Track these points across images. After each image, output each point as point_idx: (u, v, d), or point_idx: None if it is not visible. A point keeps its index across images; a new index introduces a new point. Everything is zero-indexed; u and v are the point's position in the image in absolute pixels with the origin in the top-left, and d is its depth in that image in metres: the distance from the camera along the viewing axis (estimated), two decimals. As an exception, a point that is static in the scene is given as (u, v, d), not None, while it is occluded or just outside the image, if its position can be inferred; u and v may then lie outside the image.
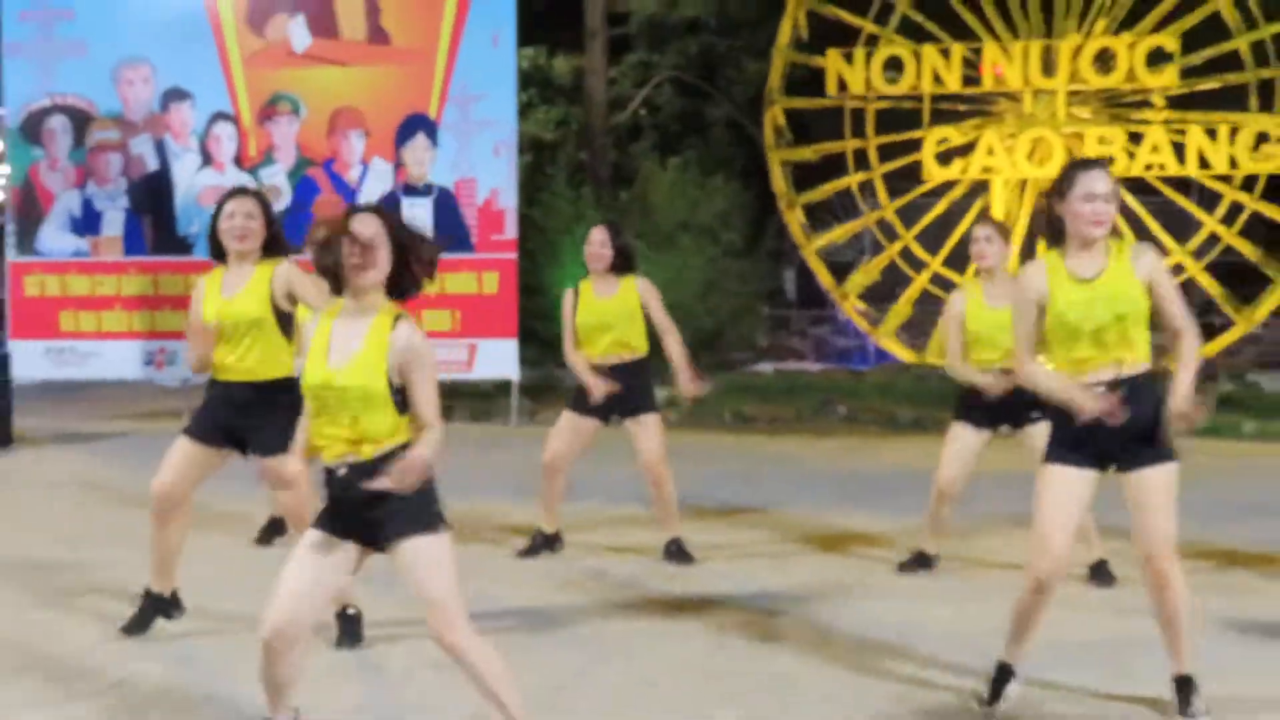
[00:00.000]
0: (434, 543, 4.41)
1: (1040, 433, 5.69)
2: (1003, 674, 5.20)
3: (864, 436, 14.09)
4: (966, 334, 7.32)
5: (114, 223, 15.26)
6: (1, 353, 14.20)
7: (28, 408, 14.34)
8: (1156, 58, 16.09)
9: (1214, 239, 16.76)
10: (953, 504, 7.53)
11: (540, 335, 15.66)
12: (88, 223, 15.28)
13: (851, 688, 5.50)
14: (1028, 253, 5.02)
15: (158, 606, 6.27)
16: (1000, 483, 8.50)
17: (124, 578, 7.09)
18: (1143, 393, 4.94)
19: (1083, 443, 4.95)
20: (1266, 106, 16.12)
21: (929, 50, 16.58)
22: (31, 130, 15.34)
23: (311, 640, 4.53)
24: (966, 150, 16.84)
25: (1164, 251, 16.39)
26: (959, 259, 8.21)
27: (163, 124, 15.28)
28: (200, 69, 15.10)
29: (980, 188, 17.35)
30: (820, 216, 19.47)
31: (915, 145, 17.20)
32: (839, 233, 18.59)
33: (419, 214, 14.89)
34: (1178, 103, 16.74)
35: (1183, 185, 17.20)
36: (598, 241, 7.81)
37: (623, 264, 7.83)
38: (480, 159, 14.90)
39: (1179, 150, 15.97)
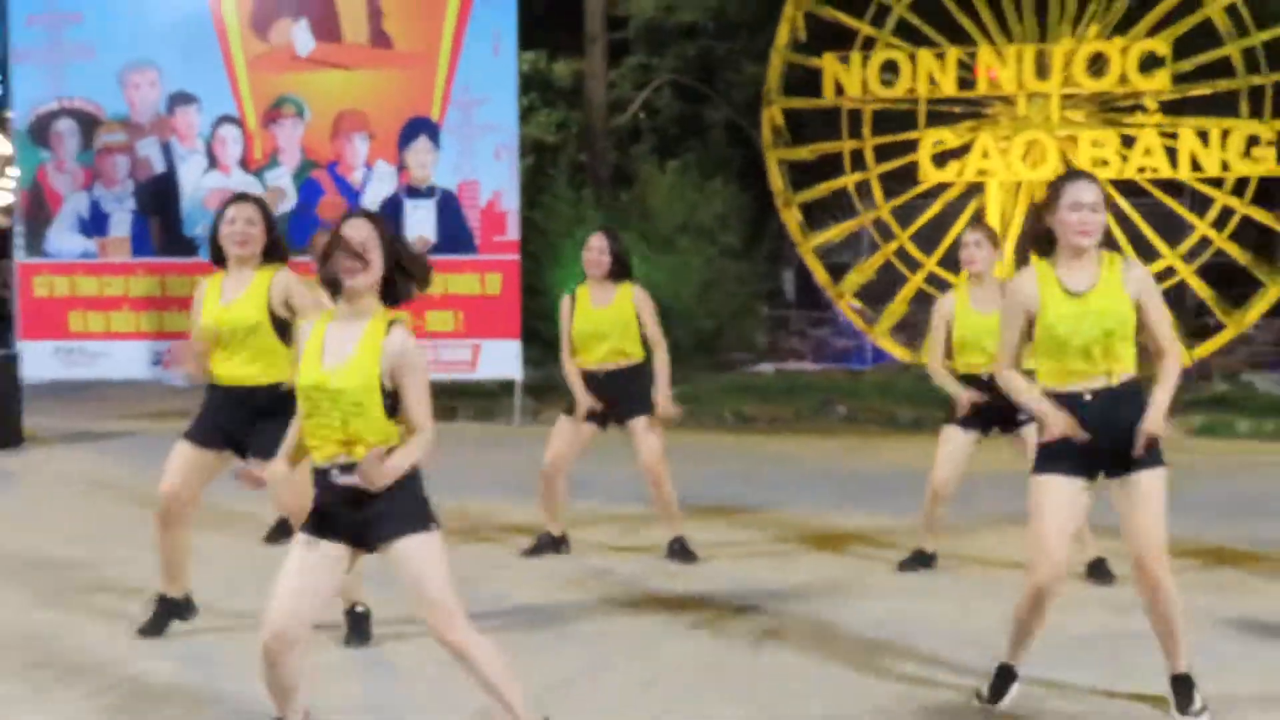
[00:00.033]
0: (427, 541, 4.44)
1: (1032, 432, 5.70)
2: (1004, 675, 5.21)
3: (863, 436, 14.08)
4: (954, 337, 7.36)
5: (121, 224, 15.25)
6: (11, 353, 14.21)
7: (37, 407, 14.35)
8: (1149, 63, 16.09)
9: (1205, 242, 16.76)
10: (947, 503, 7.55)
11: (543, 335, 15.64)
12: (95, 224, 15.27)
13: (853, 685, 5.51)
14: (1022, 256, 5.01)
15: (172, 610, 6.28)
16: (996, 482, 8.50)
17: (133, 575, 7.10)
18: (1130, 401, 4.94)
19: (1071, 451, 4.94)
20: (1257, 112, 16.13)
21: (924, 54, 16.57)
22: (40, 133, 15.34)
23: (310, 642, 4.52)
24: (962, 152, 16.84)
25: (1156, 254, 16.46)
26: (954, 259, 8.21)
27: (169, 127, 15.27)
28: (206, 73, 15.10)
29: (975, 189, 17.34)
30: (818, 216, 19.45)
31: (911, 146, 17.19)
32: (835, 232, 18.58)
33: (422, 216, 14.92)
34: (1170, 108, 16.75)
35: (1175, 189, 17.20)
36: (596, 248, 7.80)
37: (619, 270, 7.83)
38: (482, 161, 14.90)
39: (1171, 154, 15.98)
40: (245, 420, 5.95)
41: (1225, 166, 15.92)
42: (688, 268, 18.27)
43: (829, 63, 16.92)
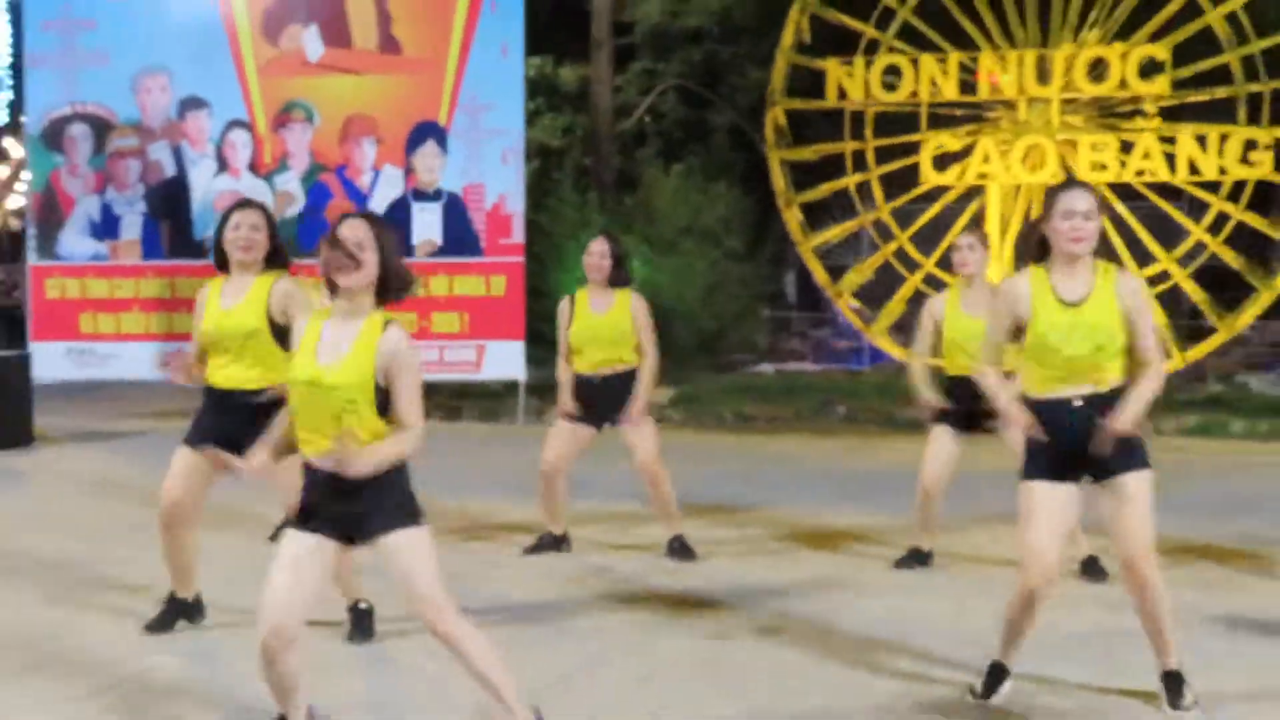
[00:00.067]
0: (417, 535, 4.45)
1: (1017, 435, 5.71)
2: (997, 673, 5.22)
3: (862, 436, 14.08)
4: (943, 339, 7.40)
5: (132, 227, 15.29)
6: (23, 353, 14.23)
7: (48, 407, 14.37)
8: (1149, 69, 16.07)
9: (1201, 246, 16.74)
10: (939, 502, 7.56)
11: (547, 337, 15.57)
12: (107, 227, 15.31)
13: (850, 681, 5.50)
14: (1020, 263, 5.05)
15: (181, 610, 6.29)
16: (993, 481, 8.45)
17: (140, 573, 7.11)
18: (1111, 408, 4.92)
19: (1057, 455, 4.96)
20: (1255, 119, 16.10)
21: (926, 59, 16.55)
22: (53, 137, 15.37)
23: (306, 640, 4.53)
24: (963, 156, 16.82)
25: (1152, 258, 16.44)
26: (952, 261, 8.22)
27: (180, 131, 15.30)
28: (217, 78, 15.13)
29: (975, 191, 17.32)
30: (819, 218, 19.43)
31: (912, 148, 17.18)
32: (835, 232, 18.56)
33: (429, 219, 14.93)
34: (1168, 114, 16.71)
35: (1172, 194, 17.16)
36: (597, 253, 7.79)
37: (619, 275, 7.82)
38: (489, 165, 14.91)
39: (1170, 159, 15.95)
40: (244, 424, 5.90)
41: (1223, 171, 15.90)
42: (691, 270, 18.27)
43: (832, 67, 16.91)
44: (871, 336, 17.64)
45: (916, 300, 16.40)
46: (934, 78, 16.51)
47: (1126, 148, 16.18)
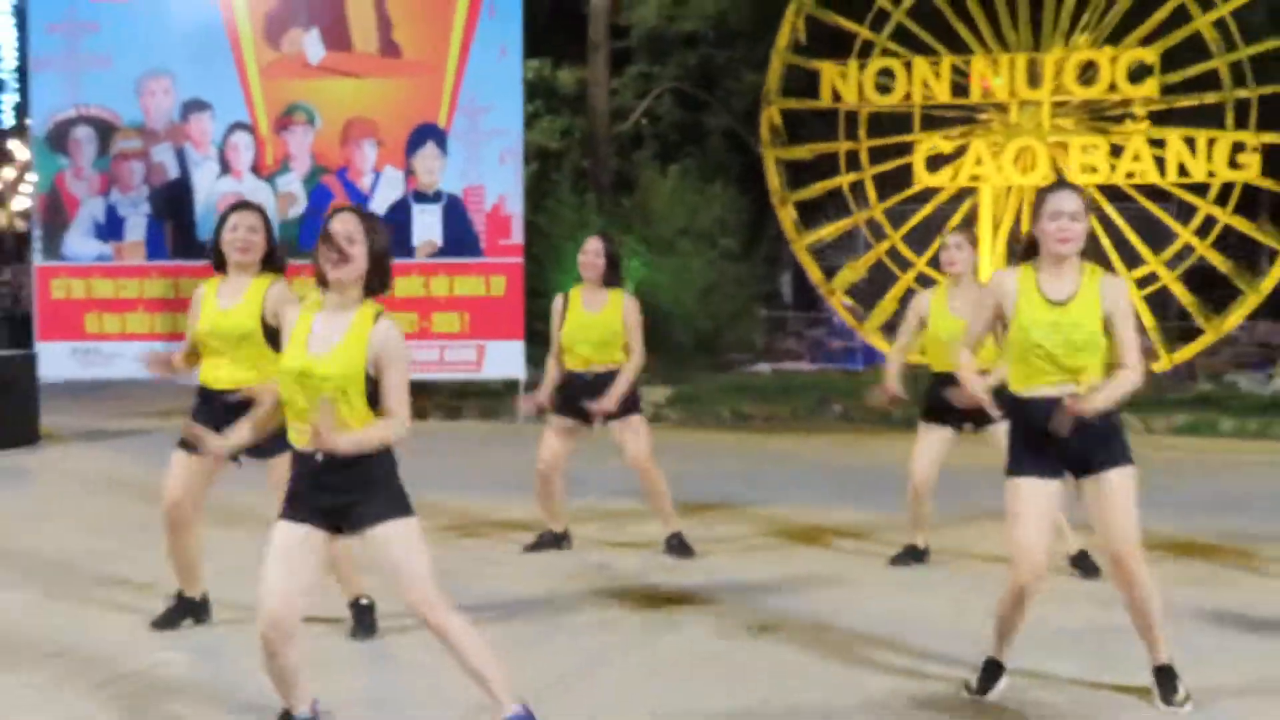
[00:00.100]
0: (407, 526, 4.47)
1: (999, 431, 5.74)
2: (992, 669, 5.22)
3: (858, 434, 14.08)
4: (926, 334, 7.45)
5: (136, 228, 15.28)
6: (29, 353, 14.22)
7: (54, 406, 14.36)
8: (1139, 73, 16.10)
9: (1189, 249, 16.78)
10: (929, 498, 7.56)
11: (546, 336, 15.62)
12: (111, 228, 15.30)
13: (848, 677, 5.50)
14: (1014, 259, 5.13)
15: (189, 608, 6.29)
16: (985, 479, 8.45)
17: (146, 570, 7.10)
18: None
19: (1041, 451, 4.98)
20: (1242, 126, 16.13)
21: (919, 63, 16.56)
22: (58, 140, 15.36)
23: (304, 634, 4.53)
24: (955, 157, 16.84)
25: (1141, 260, 16.46)
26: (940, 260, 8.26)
27: (183, 133, 15.29)
28: (219, 81, 15.13)
29: (967, 191, 17.32)
30: (814, 218, 19.44)
31: (906, 148, 17.21)
32: (828, 230, 18.57)
33: (429, 220, 14.93)
34: (1157, 119, 16.73)
35: (1161, 197, 17.18)
36: (592, 251, 7.79)
37: (612, 275, 7.82)
38: (488, 167, 14.91)
39: (1160, 162, 15.98)
40: (237, 422, 5.89)
41: (1211, 174, 15.92)
42: (688, 271, 18.28)
43: (827, 70, 16.92)
44: (864, 334, 17.66)
45: (909, 299, 16.43)
46: (926, 80, 16.54)
47: (1116, 151, 16.21)
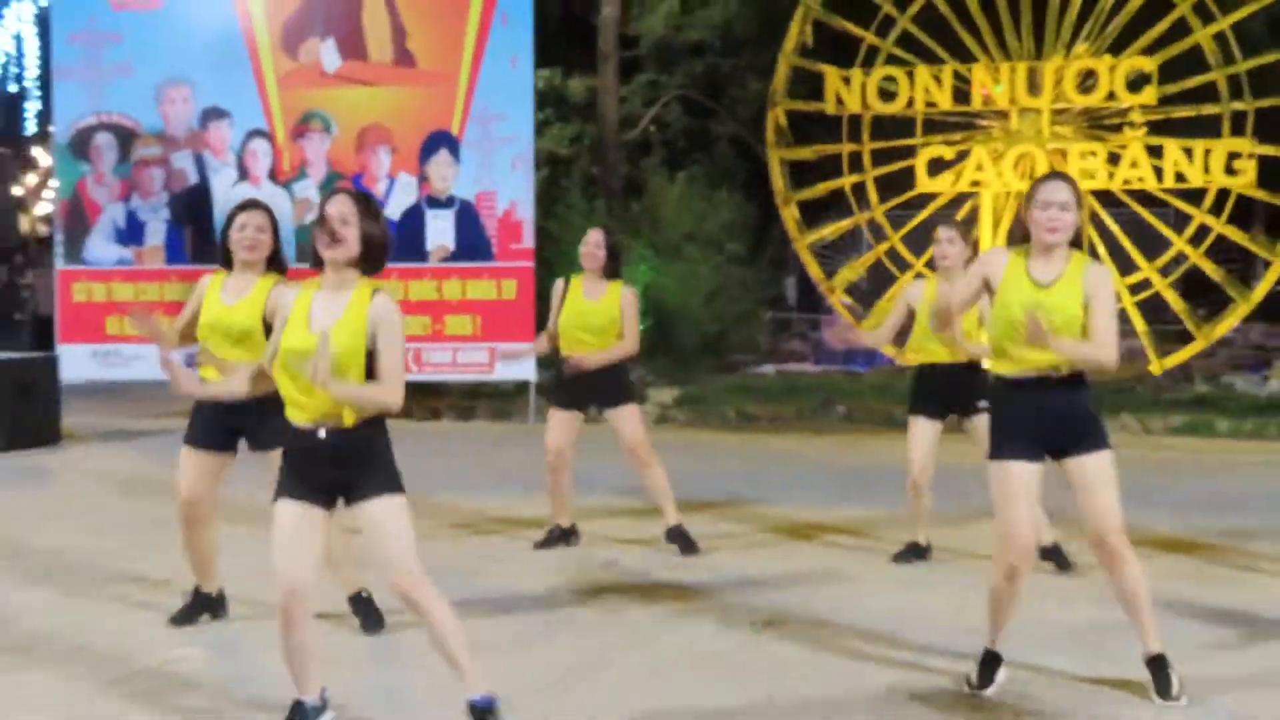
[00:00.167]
0: (397, 503, 4.51)
1: (983, 423, 5.77)
2: (990, 661, 5.21)
3: (861, 434, 14.06)
4: (915, 323, 7.47)
5: (156, 233, 15.30)
6: (50, 355, 14.24)
7: (75, 407, 14.38)
8: (1137, 82, 16.07)
9: (1183, 257, 16.76)
10: (927, 490, 7.55)
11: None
12: (131, 233, 15.32)
13: (850, 673, 5.49)
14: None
15: (206, 604, 6.29)
16: (982, 477, 8.46)
17: (164, 567, 7.10)
18: (1076, 390, 5.04)
19: (1022, 435, 5.02)
20: (1239, 135, 16.11)
21: (922, 71, 16.55)
22: (79, 147, 15.39)
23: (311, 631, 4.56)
24: (956, 162, 16.83)
25: (1135, 267, 16.44)
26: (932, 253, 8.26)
27: (202, 141, 15.31)
28: (238, 89, 15.14)
29: (966, 194, 17.29)
30: (817, 219, 19.40)
31: (908, 151, 17.20)
32: (830, 230, 18.56)
33: (442, 225, 14.93)
34: (1155, 129, 16.70)
35: (1157, 205, 17.15)
36: (593, 242, 7.84)
37: (612, 266, 7.84)
38: (500, 173, 14.91)
39: (1157, 170, 15.97)
40: (240, 416, 5.88)
41: (1208, 179, 15.89)
42: (695, 275, 18.26)
43: (831, 78, 16.91)
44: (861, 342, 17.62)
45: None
46: (929, 88, 16.53)
47: (1114, 159, 16.19)
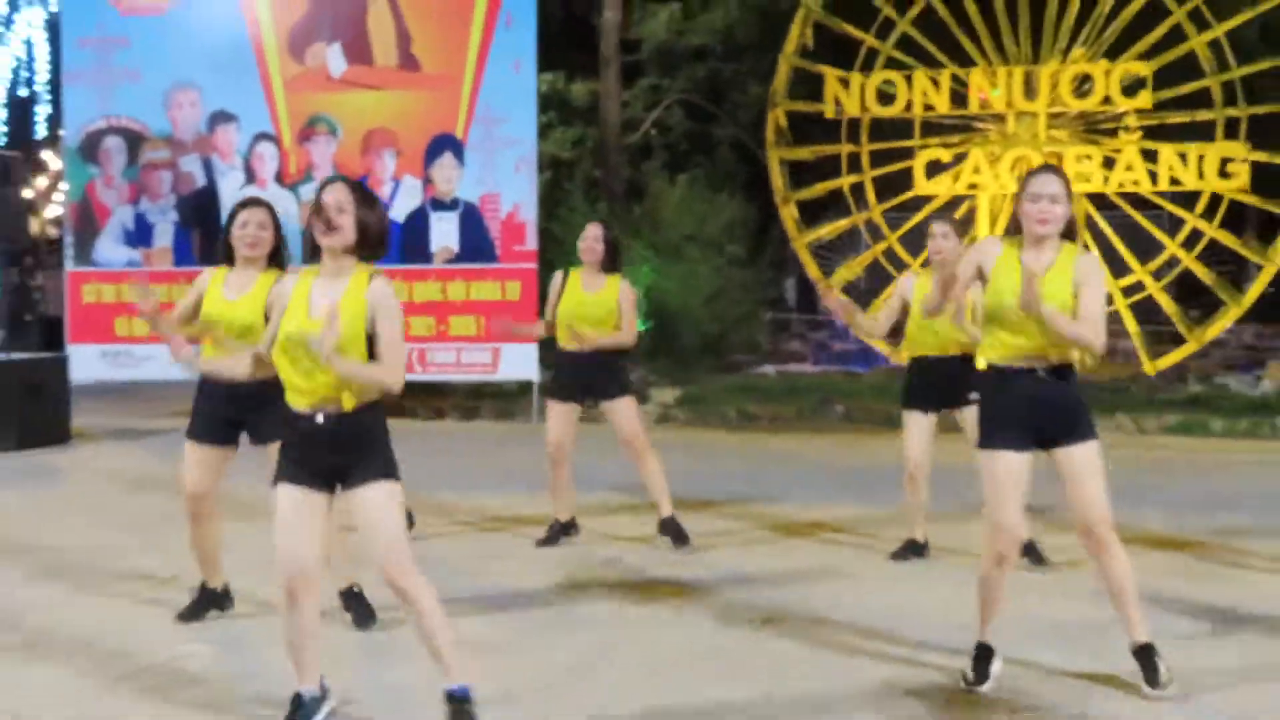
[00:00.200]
0: (392, 489, 4.53)
1: (973, 415, 5.80)
2: (983, 653, 5.21)
3: (860, 433, 14.05)
4: (909, 317, 7.51)
5: (164, 235, 15.32)
6: (60, 356, 14.25)
7: (85, 406, 14.40)
8: (1132, 86, 16.07)
9: (1176, 260, 16.77)
10: (924, 484, 7.55)
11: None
12: (140, 235, 15.33)
13: (849, 669, 5.49)
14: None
15: (212, 599, 6.30)
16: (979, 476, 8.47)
17: (172, 564, 7.11)
18: (1064, 380, 5.06)
19: (1012, 425, 5.04)
20: (1232, 139, 16.12)
21: (920, 76, 16.56)
22: (89, 150, 15.40)
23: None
24: (953, 164, 16.84)
25: (1128, 269, 16.46)
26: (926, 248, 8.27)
27: (210, 144, 15.32)
28: (245, 93, 15.15)
29: (963, 196, 17.30)
30: (817, 220, 19.41)
31: (906, 152, 17.21)
32: (828, 229, 18.57)
33: (446, 227, 14.94)
34: (1149, 134, 16.70)
35: (1151, 209, 17.16)
36: (592, 237, 7.86)
37: (610, 260, 7.85)
38: (503, 176, 14.91)
39: (1152, 173, 15.98)
40: (241, 409, 5.88)
41: (1201, 177, 15.90)
42: (696, 276, 18.26)
43: (831, 82, 16.91)
44: (857, 331, 17.63)
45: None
46: (926, 91, 16.54)
47: (1110, 163, 16.19)
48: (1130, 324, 16.41)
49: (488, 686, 4.73)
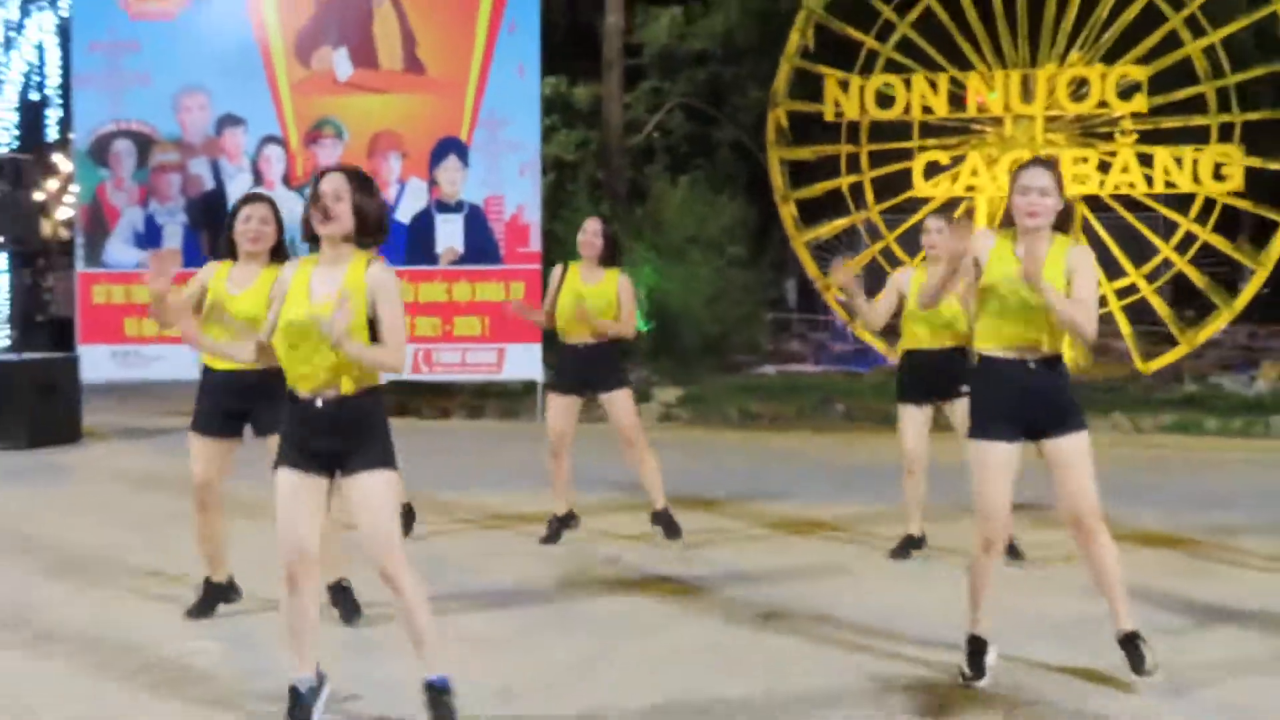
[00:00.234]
0: (389, 477, 4.54)
1: (963, 408, 5.79)
2: (977, 646, 5.21)
3: (860, 432, 14.04)
4: (904, 309, 7.52)
5: (173, 237, 15.31)
6: (71, 356, 14.25)
7: (95, 406, 14.40)
8: (1129, 91, 16.07)
9: (1169, 263, 16.77)
10: (922, 478, 7.55)
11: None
12: (149, 237, 15.33)
13: (850, 664, 5.49)
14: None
15: (218, 594, 6.30)
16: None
17: (182, 562, 7.10)
18: (1054, 370, 5.08)
19: (1003, 415, 5.05)
20: (1226, 143, 16.12)
21: (918, 79, 16.55)
22: (99, 153, 15.41)
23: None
24: (951, 167, 16.83)
25: (1123, 272, 16.44)
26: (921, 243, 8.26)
27: (218, 147, 15.33)
28: (252, 97, 15.16)
29: (960, 197, 17.30)
30: (816, 220, 19.40)
31: (905, 153, 17.20)
32: (827, 229, 18.56)
33: (451, 229, 14.94)
34: (1144, 138, 16.69)
35: (1145, 212, 17.15)
36: (591, 231, 7.86)
37: (610, 254, 7.84)
38: (507, 178, 14.92)
39: (1148, 176, 15.97)
40: (245, 401, 5.90)
41: (1197, 180, 15.89)
42: (697, 277, 18.26)
43: (830, 86, 16.91)
44: (855, 329, 17.68)
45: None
46: (925, 94, 16.53)
47: (1105, 166, 16.19)
48: (1124, 325, 16.41)
49: (488, 683, 4.72)
